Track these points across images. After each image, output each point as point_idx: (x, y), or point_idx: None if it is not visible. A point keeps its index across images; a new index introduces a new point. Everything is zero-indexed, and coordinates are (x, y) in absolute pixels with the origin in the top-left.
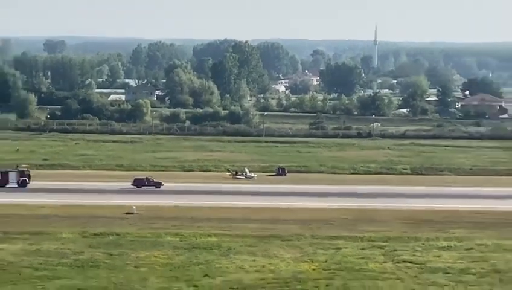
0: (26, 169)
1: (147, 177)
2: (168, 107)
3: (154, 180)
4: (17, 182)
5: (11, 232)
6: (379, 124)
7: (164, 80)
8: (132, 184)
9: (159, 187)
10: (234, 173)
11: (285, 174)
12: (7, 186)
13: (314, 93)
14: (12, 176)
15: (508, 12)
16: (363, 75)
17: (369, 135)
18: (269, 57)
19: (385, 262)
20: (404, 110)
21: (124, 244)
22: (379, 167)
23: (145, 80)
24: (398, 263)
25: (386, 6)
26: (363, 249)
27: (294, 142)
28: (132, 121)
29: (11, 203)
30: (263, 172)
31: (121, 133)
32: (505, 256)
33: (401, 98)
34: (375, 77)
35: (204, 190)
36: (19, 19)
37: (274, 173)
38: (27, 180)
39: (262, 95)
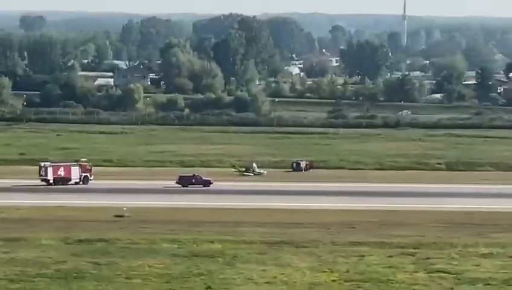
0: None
1: (193, 174)
2: (164, 93)
3: (202, 178)
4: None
5: None
6: (409, 112)
7: (159, 62)
8: (177, 182)
9: (208, 186)
10: (243, 169)
11: (301, 170)
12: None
13: (334, 76)
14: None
15: None
16: (390, 55)
17: (397, 125)
18: (281, 34)
19: (416, 272)
20: (438, 95)
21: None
22: (409, 162)
23: (137, 62)
24: (431, 272)
25: None
26: (390, 256)
27: (311, 133)
28: (122, 109)
29: None
30: (275, 168)
31: (109, 123)
32: None
33: (434, 82)
34: (404, 57)
35: (203, 189)
36: None
37: (290, 169)
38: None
39: (273, 79)
